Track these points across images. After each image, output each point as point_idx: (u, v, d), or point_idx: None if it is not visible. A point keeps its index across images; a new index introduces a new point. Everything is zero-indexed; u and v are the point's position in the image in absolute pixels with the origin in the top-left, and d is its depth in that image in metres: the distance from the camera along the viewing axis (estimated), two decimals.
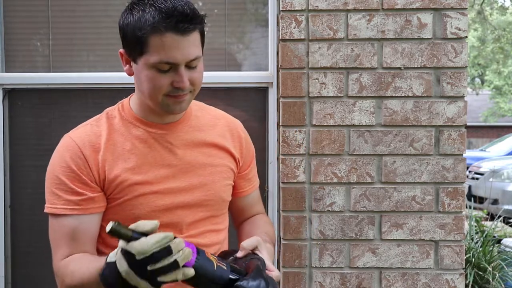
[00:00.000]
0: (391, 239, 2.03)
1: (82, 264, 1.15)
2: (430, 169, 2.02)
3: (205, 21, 1.21)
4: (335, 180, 2.03)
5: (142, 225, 0.98)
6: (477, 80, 26.17)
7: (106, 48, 2.34)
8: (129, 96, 1.33)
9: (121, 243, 0.97)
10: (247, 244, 1.18)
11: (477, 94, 25.89)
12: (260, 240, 1.20)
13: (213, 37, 2.29)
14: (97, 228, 1.24)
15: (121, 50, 1.26)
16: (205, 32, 1.24)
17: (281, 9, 2.02)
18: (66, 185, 1.20)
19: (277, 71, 2.11)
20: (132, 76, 1.25)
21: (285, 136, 2.03)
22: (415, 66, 2.01)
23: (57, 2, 2.31)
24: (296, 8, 2.01)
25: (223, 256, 1.21)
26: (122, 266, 0.96)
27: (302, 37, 2.01)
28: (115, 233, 0.96)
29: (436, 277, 2.02)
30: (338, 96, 2.02)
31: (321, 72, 2.02)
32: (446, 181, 2.02)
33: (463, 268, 2.03)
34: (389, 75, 2.01)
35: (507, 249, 3.12)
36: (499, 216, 3.68)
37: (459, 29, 2.00)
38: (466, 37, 2.01)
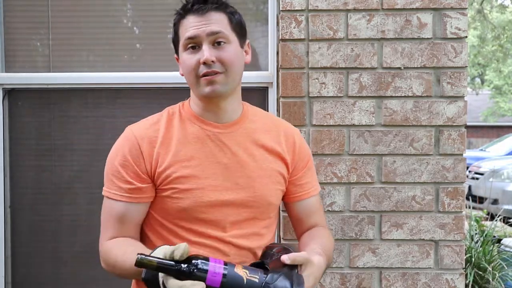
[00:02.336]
0: (391, 239, 2.03)
1: (125, 252, 1.23)
2: (430, 169, 2.02)
3: (232, 7, 1.36)
4: (335, 180, 2.03)
5: (171, 253, 1.06)
6: (477, 80, 26.18)
7: (106, 48, 2.34)
8: (189, 98, 1.41)
9: (161, 276, 1.07)
10: (298, 258, 1.15)
11: (477, 94, 25.90)
12: (309, 259, 1.16)
13: None
14: (143, 216, 1.33)
15: (175, 55, 1.38)
16: (241, 23, 1.36)
17: (281, 9, 2.02)
18: (120, 174, 1.29)
19: (277, 71, 2.11)
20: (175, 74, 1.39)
21: None
22: (415, 66, 2.01)
23: (57, 2, 2.31)
24: (296, 8, 2.01)
25: (269, 251, 1.27)
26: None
27: (302, 37, 2.01)
28: (142, 266, 1.04)
29: (436, 277, 2.02)
30: (338, 96, 2.02)
31: (321, 72, 2.02)
32: (446, 181, 2.02)
33: (463, 268, 2.03)
34: (389, 75, 2.01)
35: (507, 249, 3.11)
36: (499, 216, 3.68)
37: (459, 29, 2.00)
38: (466, 37, 2.01)
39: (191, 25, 1.27)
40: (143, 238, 1.37)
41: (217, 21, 1.28)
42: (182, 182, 1.28)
